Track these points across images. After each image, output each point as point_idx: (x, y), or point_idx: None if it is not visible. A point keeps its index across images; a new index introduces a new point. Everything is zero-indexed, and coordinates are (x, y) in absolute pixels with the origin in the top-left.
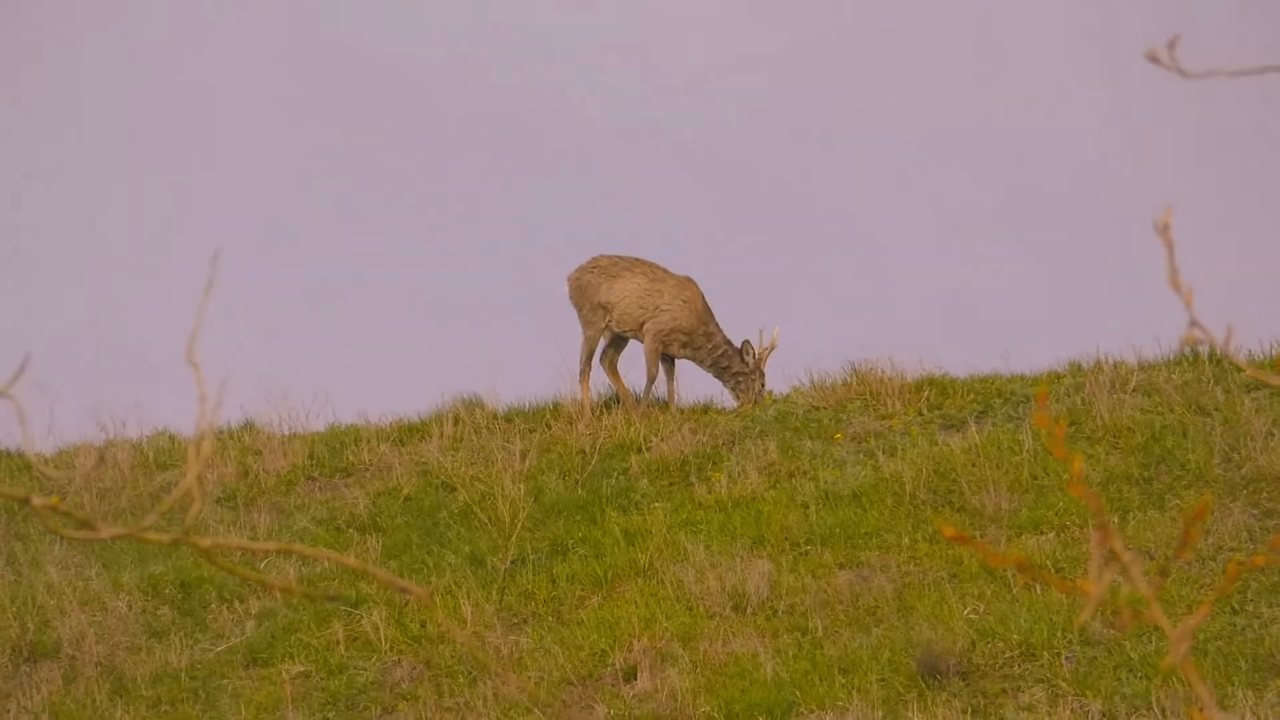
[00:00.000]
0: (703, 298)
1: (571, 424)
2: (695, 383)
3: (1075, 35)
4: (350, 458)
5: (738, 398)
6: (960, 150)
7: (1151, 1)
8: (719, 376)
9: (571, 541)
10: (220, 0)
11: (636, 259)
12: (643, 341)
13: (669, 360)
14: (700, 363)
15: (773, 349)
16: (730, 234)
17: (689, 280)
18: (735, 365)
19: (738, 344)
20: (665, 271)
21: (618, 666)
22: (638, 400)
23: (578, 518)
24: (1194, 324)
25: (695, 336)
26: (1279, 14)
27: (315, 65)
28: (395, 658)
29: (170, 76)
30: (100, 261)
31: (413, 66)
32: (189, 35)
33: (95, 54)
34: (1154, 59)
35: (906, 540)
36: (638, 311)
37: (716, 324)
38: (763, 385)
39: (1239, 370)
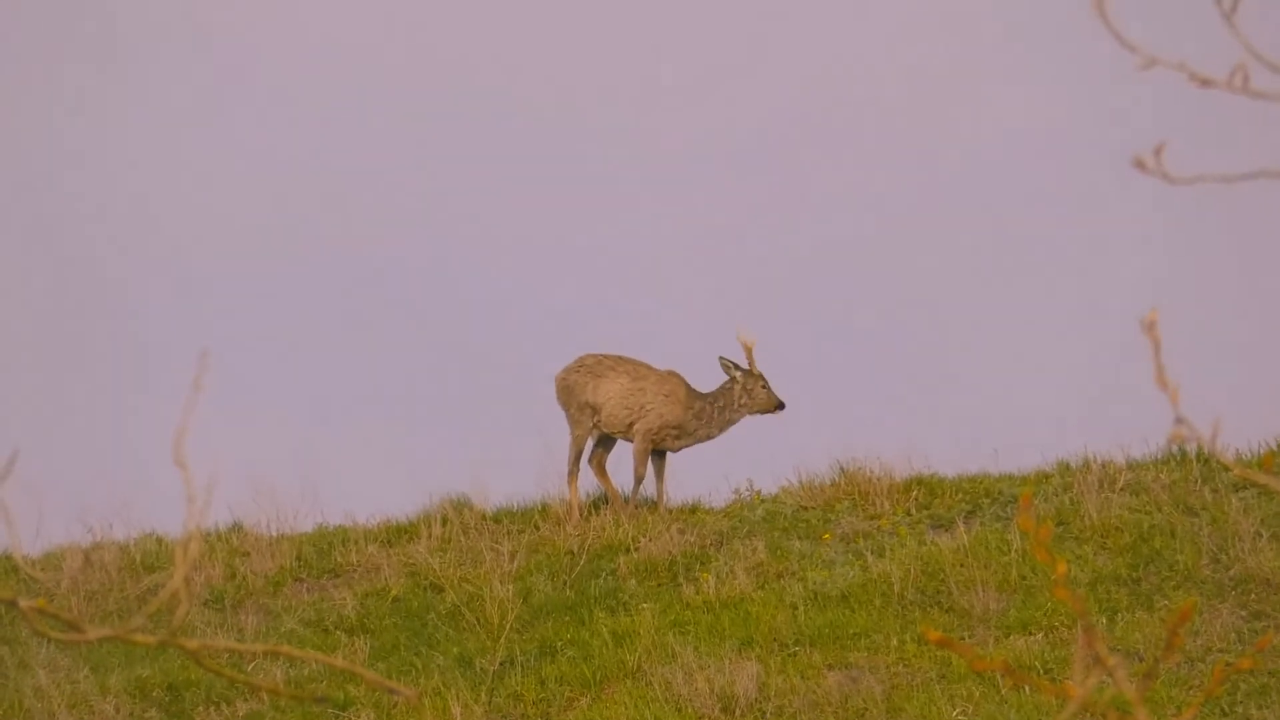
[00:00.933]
0: (685, 387)
1: (560, 525)
2: (684, 481)
3: (1071, 152)
4: (338, 559)
5: (767, 411)
6: (947, 240)
7: (1140, 105)
8: (734, 421)
9: (560, 643)
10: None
11: (621, 358)
12: (633, 442)
13: (660, 456)
14: (710, 437)
15: (751, 348)
16: (711, 330)
17: (670, 374)
18: (738, 402)
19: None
20: (648, 369)
21: None
22: (626, 500)
23: (566, 619)
24: (1180, 422)
25: (686, 425)
26: (1261, 119)
27: (296, 163)
28: None
29: (148, 167)
30: (85, 361)
31: (392, 160)
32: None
33: (59, 145)
34: (1141, 166)
35: (895, 641)
36: (624, 413)
37: (706, 399)
38: (766, 385)
39: (1226, 469)
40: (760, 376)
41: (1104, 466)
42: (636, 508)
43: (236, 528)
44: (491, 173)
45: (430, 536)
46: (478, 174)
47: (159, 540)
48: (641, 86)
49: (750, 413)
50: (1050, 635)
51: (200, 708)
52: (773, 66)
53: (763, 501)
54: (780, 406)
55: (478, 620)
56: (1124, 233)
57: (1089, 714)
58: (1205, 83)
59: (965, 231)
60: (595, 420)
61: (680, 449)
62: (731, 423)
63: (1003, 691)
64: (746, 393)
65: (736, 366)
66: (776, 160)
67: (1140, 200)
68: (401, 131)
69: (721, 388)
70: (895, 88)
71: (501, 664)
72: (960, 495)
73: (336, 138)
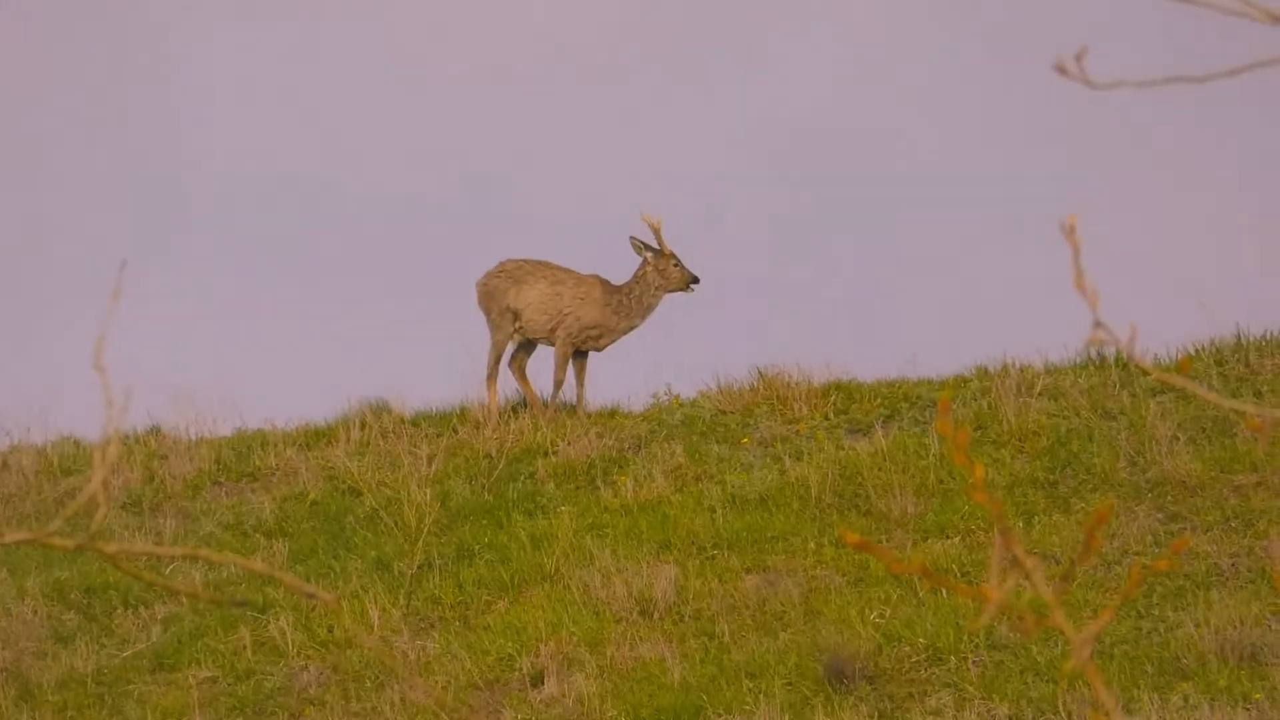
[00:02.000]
0: (602, 286)
1: (478, 428)
2: (603, 386)
3: (975, 42)
4: (257, 462)
5: (681, 289)
6: (869, 149)
7: (1053, 10)
8: (654, 305)
9: (478, 546)
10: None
11: (542, 262)
12: (554, 346)
13: (581, 359)
14: (634, 327)
15: (658, 228)
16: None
17: (589, 277)
18: (654, 285)
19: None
20: (566, 273)
21: (525, 672)
22: (545, 404)
23: (484, 522)
24: (1099, 325)
25: (606, 324)
26: (1182, 21)
27: (207, 62)
28: (303, 663)
29: (59, 78)
30: (4, 268)
31: (316, 56)
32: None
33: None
34: (1061, 70)
35: (813, 545)
36: (544, 319)
37: (621, 292)
38: (678, 263)
39: (1145, 374)
40: (671, 255)
41: (1022, 371)
42: (555, 412)
43: (155, 431)
44: (423, 72)
45: (348, 440)
46: (406, 75)
47: (77, 444)
48: None
49: (667, 292)
50: (967, 539)
51: (119, 610)
52: None
53: (681, 406)
54: (694, 281)
55: (395, 524)
56: (1044, 137)
57: (1006, 616)
58: None
59: (892, 128)
60: (516, 325)
61: (606, 346)
62: (651, 308)
63: (920, 595)
64: (659, 273)
65: (646, 247)
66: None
67: (1062, 104)
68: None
69: (635, 275)
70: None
71: (419, 567)
72: (878, 400)
73: (242, 29)
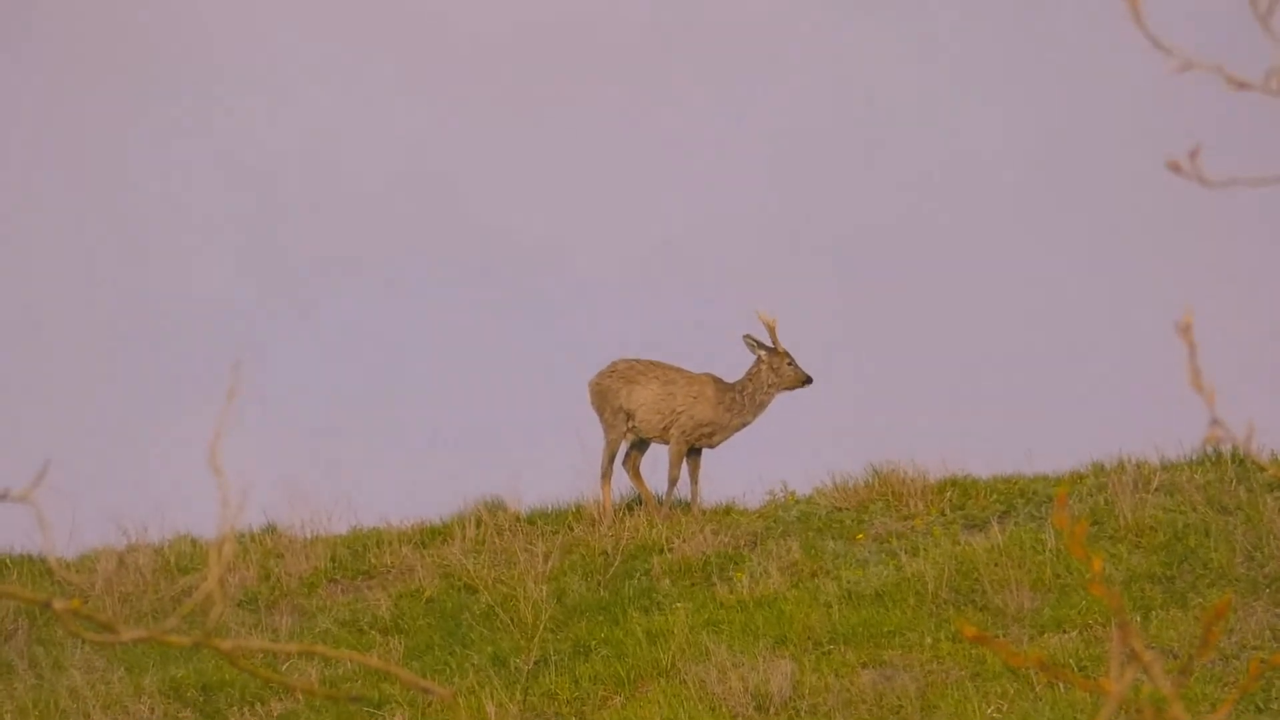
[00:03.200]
0: (715, 385)
1: (594, 526)
2: (718, 483)
3: (1115, 148)
4: (372, 560)
5: (796, 387)
6: (982, 243)
7: (1173, 108)
8: (766, 403)
9: (594, 642)
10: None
11: (653, 363)
12: (668, 444)
13: (694, 456)
14: (746, 424)
15: (774, 326)
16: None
17: (701, 376)
18: (767, 382)
19: (750, 362)
20: (678, 372)
21: None
22: (660, 502)
23: (600, 618)
24: (1216, 423)
25: (719, 421)
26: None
27: (314, 160)
28: None
29: (176, 187)
30: (121, 366)
31: (423, 168)
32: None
33: (99, 156)
34: (1175, 168)
35: (929, 639)
36: (657, 419)
37: (735, 389)
38: (792, 362)
39: (1261, 470)
40: (785, 354)
41: (1138, 467)
42: (670, 509)
43: (270, 529)
44: (523, 174)
45: (464, 538)
46: (509, 176)
47: (193, 542)
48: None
49: (780, 390)
50: (1085, 633)
51: (235, 708)
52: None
53: (797, 502)
54: (808, 381)
55: (512, 620)
56: (1160, 234)
57: (1125, 710)
58: (1241, 85)
59: (1001, 230)
60: (630, 425)
61: (719, 443)
62: (764, 405)
63: (1037, 689)
64: (774, 371)
65: (760, 345)
66: (803, 152)
67: (1176, 203)
68: (427, 123)
69: (749, 372)
70: (924, 78)
71: (536, 663)
72: (994, 496)
73: (342, 127)
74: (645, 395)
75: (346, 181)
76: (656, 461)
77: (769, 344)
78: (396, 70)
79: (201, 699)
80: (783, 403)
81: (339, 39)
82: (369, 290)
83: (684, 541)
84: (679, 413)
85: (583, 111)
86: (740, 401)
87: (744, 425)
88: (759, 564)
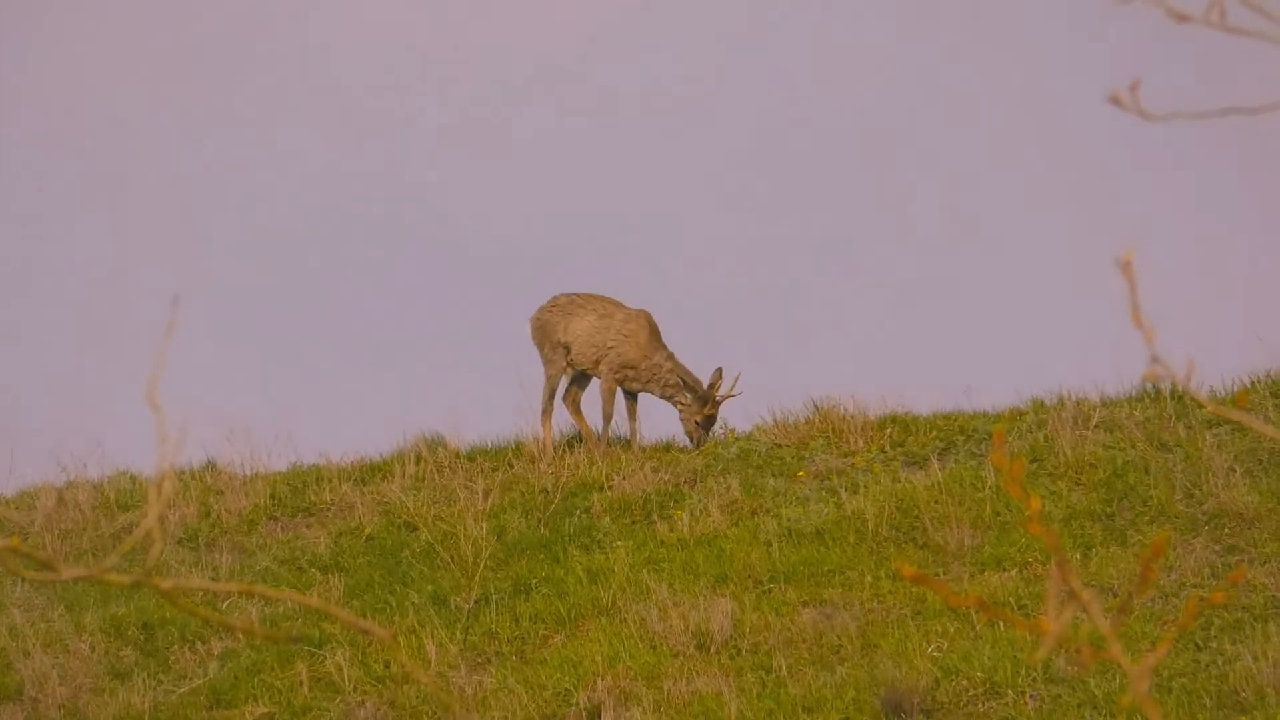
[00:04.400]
0: (648, 330)
1: (534, 463)
2: (657, 421)
3: (1050, 74)
4: (312, 497)
5: (687, 433)
6: (925, 180)
7: (1114, 43)
8: (665, 399)
9: (535, 580)
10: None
11: (593, 296)
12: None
13: (631, 397)
14: (655, 395)
15: (730, 393)
16: (688, 270)
17: (638, 313)
18: (679, 396)
19: (707, 374)
20: (617, 306)
21: (581, 706)
22: (600, 439)
23: (540, 556)
24: (1155, 360)
25: (640, 370)
26: (1237, 54)
27: (266, 100)
28: (359, 699)
29: (125, 118)
30: (59, 304)
31: (373, 105)
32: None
33: (44, 89)
34: (1116, 102)
35: (869, 578)
36: (591, 350)
37: (666, 355)
38: (708, 416)
39: (1200, 406)
40: (713, 409)
41: (1078, 404)
42: (610, 446)
43: (210, 466)
44: (473, 116)
45: (404, 475)
46: (455, 115)
47: (133, 479)
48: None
49: (672, 404)
50: (1024, 571)
51: (175, 646)
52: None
53: (737, 439)
54: (700, 427)
55: (452, 558)
56: (1102, 169)
57: (1064, 649)
58: (1182, 18)
59: (941, 164)
60: (568, 359)
61: (638, 392)
62: (664, 398)
63: (977, 627)
64: (688, 404)
65: (714, 385)
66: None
67: (1118, 137)
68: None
69: (686, 379)
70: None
71: (476, 602)
72: (934, 433)
73: (309, 73)
74: (582, 326)
75: (295, 119)
76: (598, 398)
77: (714, 392)
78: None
79: (142, 637)
80: (723, 338)
81: None
82: (310, 228)
83: (624, 479)
84: (609, 348)
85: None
86: (661, 368)
87: (651, 392)
88: (699, 502)
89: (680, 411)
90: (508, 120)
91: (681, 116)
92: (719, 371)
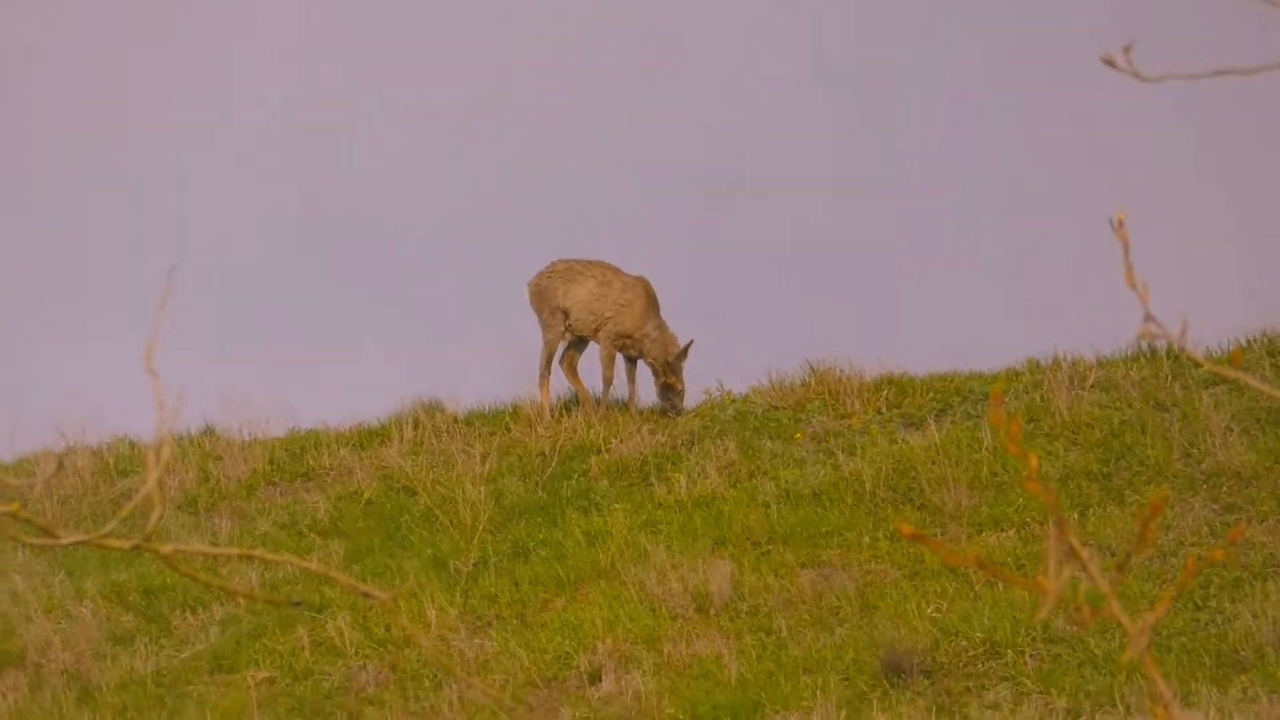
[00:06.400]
0: (645, 298)
1: (531, 426)
2: (654, 383)
3: (1051, 36)
4: (311, 462)
5: (655, 372)
6: (920, 144)
7: (1119, 4)
8: (647, 358)
9: (533, 544)
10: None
11: (592, 262)
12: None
13: (631, 361)
14: (648, 364)
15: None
16: (688, 229)
17: (636, 281)
18: (653, 356)
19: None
20: (616, 274)
21: (582, 669)
22: (597, 402)
23: (539, 520)
24: (1149, 319)
25: (635, 340)
26: (1230, 15)
27: (263, 62)
28: (361, 662)
29: (131, 85)
30: (58, 271)
31: (371, 63)
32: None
33: (50, 61)
34: (1110, 63)
35: (868, 539)
36: (590, 318)
37: (656, 325)
38: (670, 391)
39: (1197, 366)
40: (668, 378)
41: (1074, 364)
42: (607, 409)
43: (209, 432)
44: (466, 74)
45: (402, 440)
46: (447, 76)
47: (132, 445)
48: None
49: (649, 361)
50: (1022, 531)
51: (176, 611)
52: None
53: (733, 402)
54: (669, 392)
55: (451, 522)
56: (1095, 130)
57: (1063, 608)
58: None
59: (936, 125)
60: (566, 324)
61: (636, 358)
62: (651, 352)
63: (976, 588)
64: (662, 364)
65: (681, 357)
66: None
67: (1110, 99)
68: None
69: (671, 343)
70: None
71: (475, 565)
72: (931, 394)
73: (296, 51)
74: (581, 293)
75: (293, 92)
76: (595, 362)
77: (681, 364)
78: None
79: (143, 602)
80: (718, 299)
81: None
82: (308, 194)
83: (621, 442)
84: (607, 318)
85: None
86: (649, 338)
87: (645, 361)
88: (696, 464)
89: (661, 365)
90: (509, 78)
91: (676, 69)
92: (689, 344)
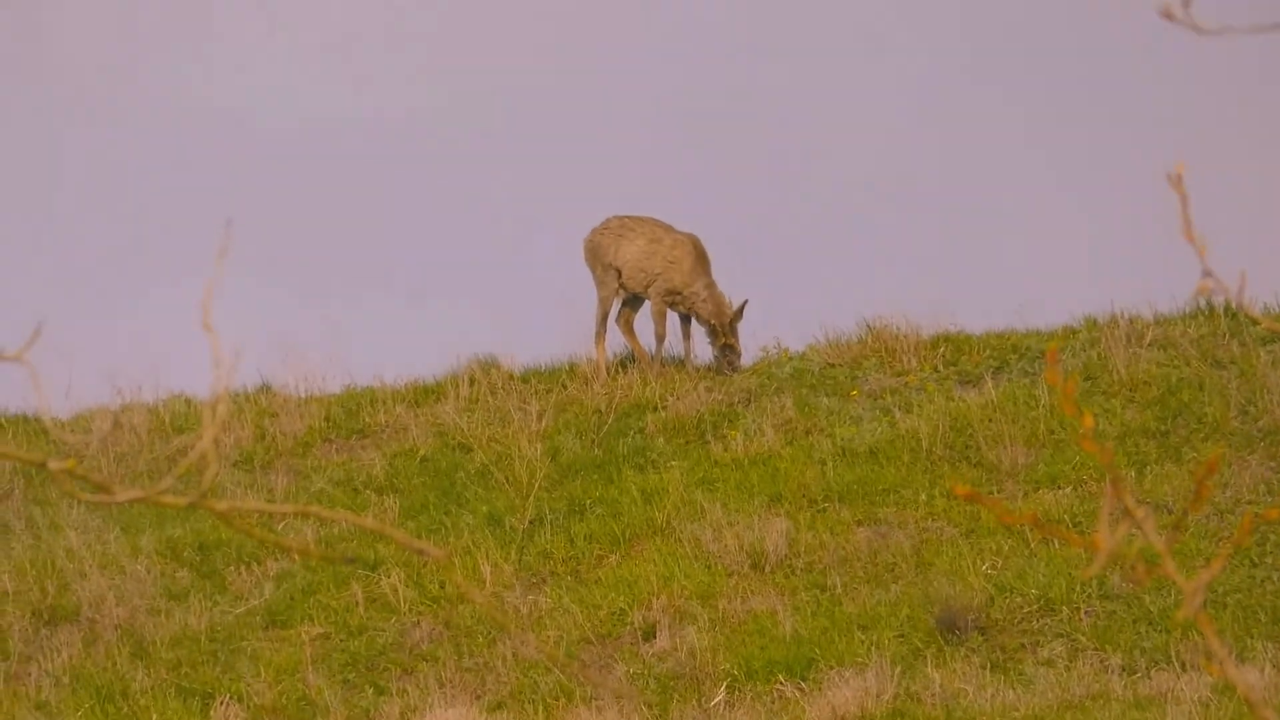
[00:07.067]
0: (693, 256)
1: (587, 384)
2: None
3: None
4: (366, 419)
5: (710, 334)
6: (978, 101)
7: None
8: (700, 318)
9: (589, 501)
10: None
11: (644, 219)
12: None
13: (685, 319)
14: (699, 322)
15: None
16: (741, 191)
17: (686, 238)
18: (706, 315)
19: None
20: (666, 230)
21: (636, 625)
22: (653, 359)
23: (595, 477)
24: (1207, 275)
25: (684, 297)
26: None
27: (316, 29)
28: (414, 619)
29: (180, 52)
30: (115, 227)
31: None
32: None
33: (97, 43)
34: (1168, 15)
35: (924, 496)
36: (640, 275)
37: (705, 284)
38: (730, 352)
39: (1255, 323)
40: (726, 338)
41: (1131, 321)
42: (664, 366)
43: (265, 389)
44: (524, 47)
45: (458, 397)
46: (502, 46)
47: (188, 402)
48: None
49: (699, 319)
50: (1078, 489)
51: (231, 567)
52: None
53: (790, 359)
54: (727, 353)
55: (506, 479)
56: (1152, 85)
57: (1118, 566)
58: None
59: (992, 82)
60: (620, 281)
61: (689, 317)
62: (700, 309)
63: (1032, 545)
64: (712, 325)
65: (737, 318)
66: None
67: (1169, 53)
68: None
69: (722, 303)
70: None
71: (531, 523)
72: (987, 352)
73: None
74: (631, 251)
75: (347, 52)
76: (650, 319)
77: (732, 330)
78: None
79: (198, 559)
80: (774, 258)
81: None
82: (362, 151)
83: (678, 399)
84: (656, 274)
85: None
86: (699, 295)
87: (695, 318)
88: (753, 421)
89: (712, 325)
90: (563, 38)
91: (729, 25)
92: (744, 304)
